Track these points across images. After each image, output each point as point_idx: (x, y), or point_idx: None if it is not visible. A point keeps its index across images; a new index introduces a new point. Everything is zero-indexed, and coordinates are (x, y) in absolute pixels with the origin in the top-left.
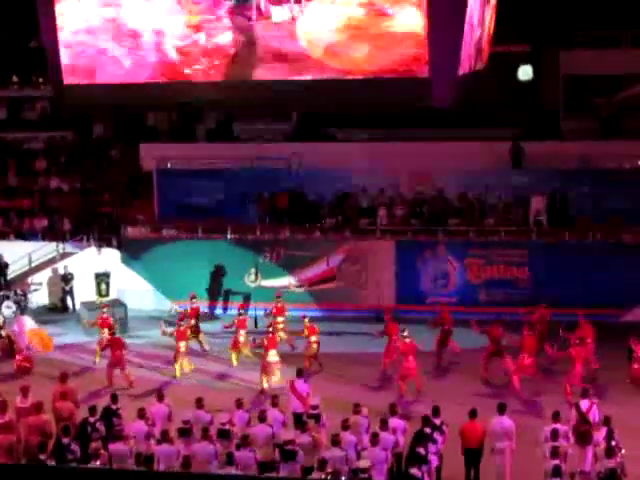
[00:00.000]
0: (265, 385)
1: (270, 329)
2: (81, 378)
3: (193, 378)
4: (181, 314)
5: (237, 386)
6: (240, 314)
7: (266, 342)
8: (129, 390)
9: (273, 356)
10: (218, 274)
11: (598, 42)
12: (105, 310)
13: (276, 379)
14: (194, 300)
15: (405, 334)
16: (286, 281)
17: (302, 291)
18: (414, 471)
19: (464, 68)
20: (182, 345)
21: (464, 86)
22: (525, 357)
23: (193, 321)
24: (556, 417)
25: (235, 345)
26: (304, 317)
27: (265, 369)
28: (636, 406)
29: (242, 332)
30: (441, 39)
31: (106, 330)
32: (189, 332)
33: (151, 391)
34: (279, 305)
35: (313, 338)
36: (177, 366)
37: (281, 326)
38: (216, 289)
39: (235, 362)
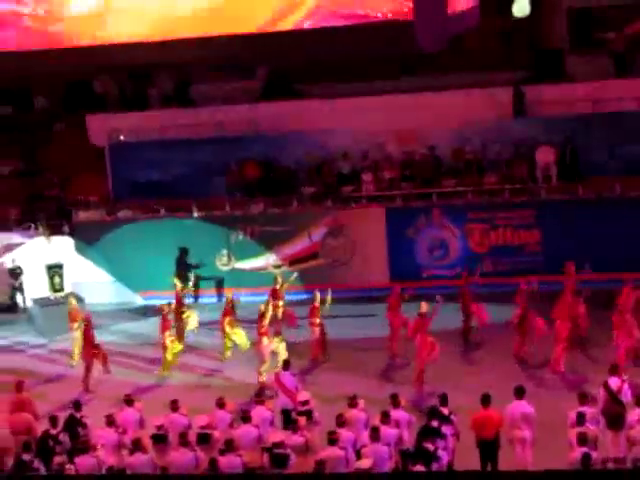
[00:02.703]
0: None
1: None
2: (41, 385)
3: (176, 378)
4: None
5: (228, 383)
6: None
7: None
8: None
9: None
10: (183, 258)
11: None
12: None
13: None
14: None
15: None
16: (263, 261)
17: (282, 272)
18: (419, 467)
19: (453, 7)
20: (167, 335)
21: (454, 27)
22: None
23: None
24: (583, 399)
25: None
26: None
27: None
28: None
29: (226, 320)
30: None
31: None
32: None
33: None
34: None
35: (315, 320)
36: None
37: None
38: (183, 275)
39: (227, 353)
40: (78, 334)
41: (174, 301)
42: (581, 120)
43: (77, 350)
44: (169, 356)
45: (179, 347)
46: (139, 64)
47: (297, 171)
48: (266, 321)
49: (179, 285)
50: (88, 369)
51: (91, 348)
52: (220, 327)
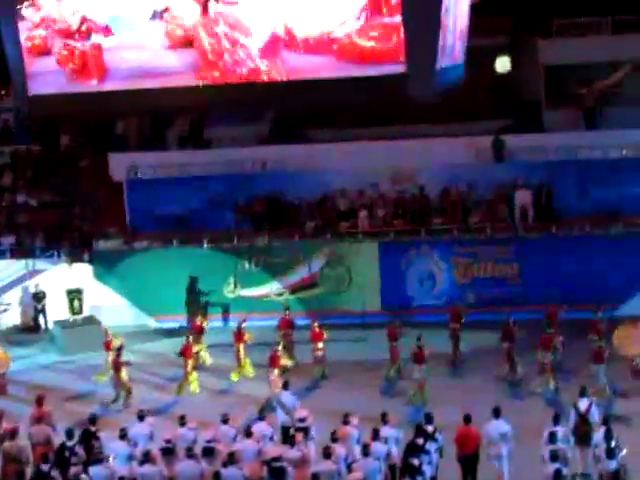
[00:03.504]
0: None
1: (279, 347)
2: (61, 400)
3: (189, 394)
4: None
5: (239, 400)
6: (240, 328)
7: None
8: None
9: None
10: (193, 286)
11: (577, 30)
12: (110, 332)
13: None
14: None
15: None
16: (266, 289)
17: (284, 299)
18: None
19: (442, 61)
20: (189, 363)
21: (442, 81)
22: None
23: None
24: (556, 419)
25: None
26: (314, 321)
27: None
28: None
29: (241, 346)
30: (418, 32)
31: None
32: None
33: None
34: (287, 318)
35: (319, 345)
36: (185, 384)
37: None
38: (193, 301)
39: (235, 378)
40: (109, 359)
41: (193, 330)
42: (555, 166)
43: (106, 373)
44: (189, 382)
45: (195, 378)
46: (158, 108)
47: (300, 207)
48: (279, 367)
49: (200, 318)
50: (117, 395)
51: (120, 375)
52: (235, 352)
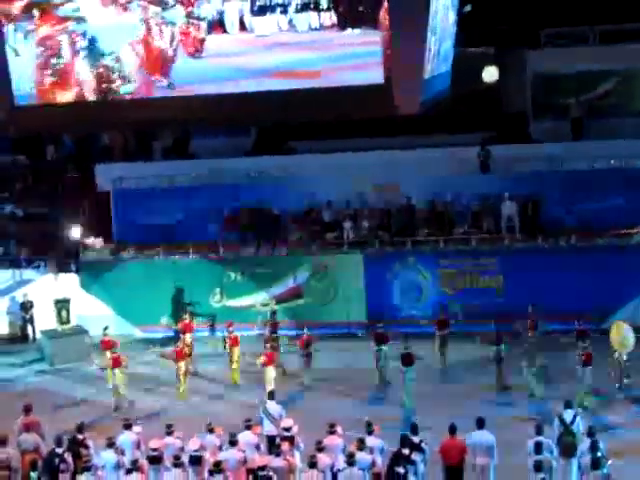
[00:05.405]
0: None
1: (267, 346)
2: (49, 408)
3: (180, 403)
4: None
5: (235, 407)
6: (230, 332)
7: (264, 359)
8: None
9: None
10: (179, 296)
11: (565, 40)
12: (106, 332)
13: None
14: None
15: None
16: (252, 300)
17: (269, 309)
18: None
19: (428, 72)
20: (182, 365)
21: (428, 92)
22: None
23: (189, 339)
24: (538, 430)
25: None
26: (304, 328)
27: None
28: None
29: (235, 349)
30: (404, 41)
31: (109, 352)
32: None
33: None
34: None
35: (309, 349)
36: (181, 388)
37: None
38: (180, 311)
39: (238, 381)
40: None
41: (183, 329)
42: (542, 177)
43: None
44: (182, 387)
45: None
46: (144, 120)
47: (285, 218)
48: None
49: (188, 317)
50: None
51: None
52: (230, 356)
